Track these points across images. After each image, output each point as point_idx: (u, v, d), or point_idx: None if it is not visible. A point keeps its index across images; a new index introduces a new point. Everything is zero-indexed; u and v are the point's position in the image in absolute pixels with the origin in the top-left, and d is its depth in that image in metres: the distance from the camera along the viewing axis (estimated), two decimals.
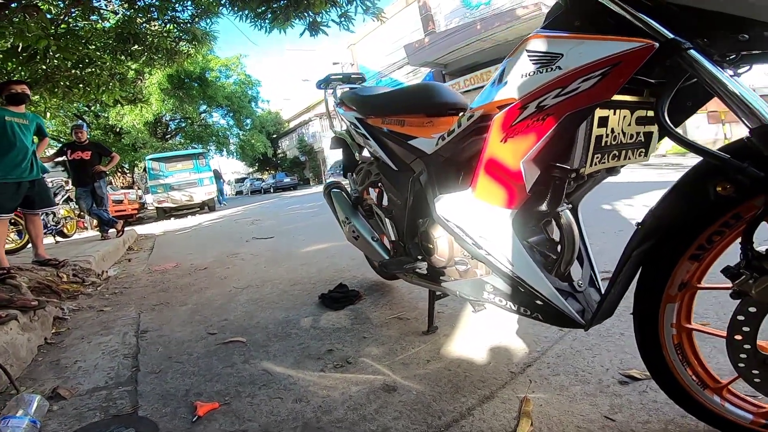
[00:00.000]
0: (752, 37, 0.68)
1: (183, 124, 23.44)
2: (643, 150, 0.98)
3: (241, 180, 39.56)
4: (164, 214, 12.99)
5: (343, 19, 4.57)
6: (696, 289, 0.83)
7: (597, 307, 0.94)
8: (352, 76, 2.00)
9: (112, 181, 19.46)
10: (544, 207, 1.02)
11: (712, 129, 9.80)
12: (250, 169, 41.15)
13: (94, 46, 4.80)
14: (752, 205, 0.69)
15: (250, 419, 1.20)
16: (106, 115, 17.42)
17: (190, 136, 22.65)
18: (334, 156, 24.49)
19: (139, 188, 15.94)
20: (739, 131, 9.72)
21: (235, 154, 26.49)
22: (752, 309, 0.72)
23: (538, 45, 0.86)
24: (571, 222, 1.07)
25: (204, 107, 23.24)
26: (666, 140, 0.99)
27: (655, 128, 0.97)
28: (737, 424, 0.83)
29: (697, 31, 0.72)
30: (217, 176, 15.33)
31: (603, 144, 0.91)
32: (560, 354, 1.35)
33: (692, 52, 0.69)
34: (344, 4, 4.42)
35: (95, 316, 2.47)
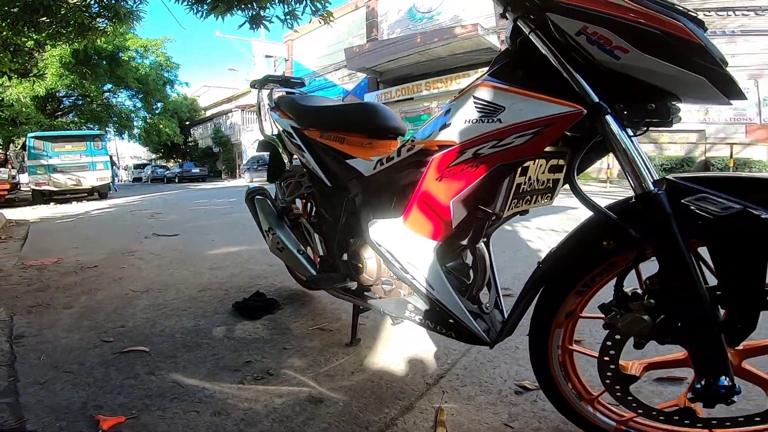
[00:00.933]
0: (658, 107, 0.81)
1: (80, 102, 20.83)
2: (549, 195, 1.13)
3: (142, 166, 36.19)
4: (42, 197, 11.37)
5: (288, 17, 4.44)
6: (579, 318, 0.97)
7: (501, 327, 1.08)
8: (292, 80, 1.95)
9: None
10: (465, 242, 1.15)
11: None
12: (153, 156, 37.86)
13: None
14: (626, 257, 0.84)
15: None
16: None
17: (86, 115, 20.23)
18: (252, 151, 23.43)
19: (13, 167, 13.81)
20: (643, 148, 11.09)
21: (138, 138, 24.15)
22: (618, 337, 0.87)
23: (485, 94, 0.92)
24: (484, 253, 1.21)
25: (109, 86, 20.92)
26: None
27: (561, 175, 1.10)
28: (604, 430, 0.99)
29: (616, 95, 0.83)
30: (112, 163, 13.91)
31: (521, 191, 1.03)
32: (467, 366, 1.45)
33: (609, 117, 0.80)
34: (293, 2, 4.30)
35: None
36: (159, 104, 23.62)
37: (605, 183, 9.37)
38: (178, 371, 1.46)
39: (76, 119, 20.55)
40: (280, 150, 1.88)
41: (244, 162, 23.27)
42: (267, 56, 22.97)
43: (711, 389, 0.76)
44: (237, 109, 29.70)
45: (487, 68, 0.99)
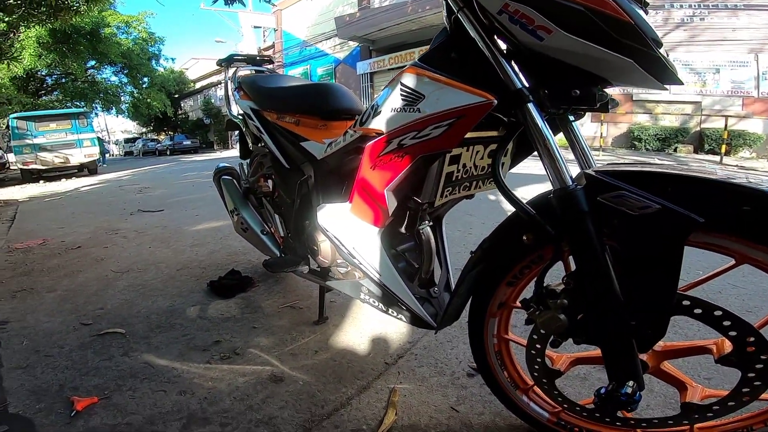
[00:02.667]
0: (583, 93, 0.77)
1: (63, 80, 20.24)
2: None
3: (132, 140, 35.74)
4: (31, 176, 11.35)
5: None
6: (512, 308, 0.98)
7: (443, 313, 1.06)
8: (258, 57, 1.91)
9: None
10: (402, 230, 1.16)
11: (593, 126, 11.14)
12: (144, 129, 37.33)
13: None
14: (548, 250, 0.84)
15: (133, 412, 1.20)
16: None
17: (70, 93, 19.61)
18: None
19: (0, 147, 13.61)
20: (614, 131, 11.16)
21: (126, 113, 23.73)
22: (542, 331, 0.86)
23: (410, 80, 0.89)
24: (430, 237, 1.19)
25: (93, 63, 20.29)
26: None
27: (506, 159, 1.08)
28: (537, 421, 1.01)
29: (543, 80, 0.79)
30: (99, 140, 13.76)
31: (453, 179, 1.02)
32: (427, 346, 1.50)
33: (530, 105, 0.78)
34: None
35: None
36: (146, 78, 22.99)
37: (598, 151, 9.36)
38: (150, 352, 1.53)
39: (60, 97, 19.99)
40: (244, 130, 1.87)
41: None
42: (255, 27, 22.41)
43: (613, 395, 0.76)
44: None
45: None
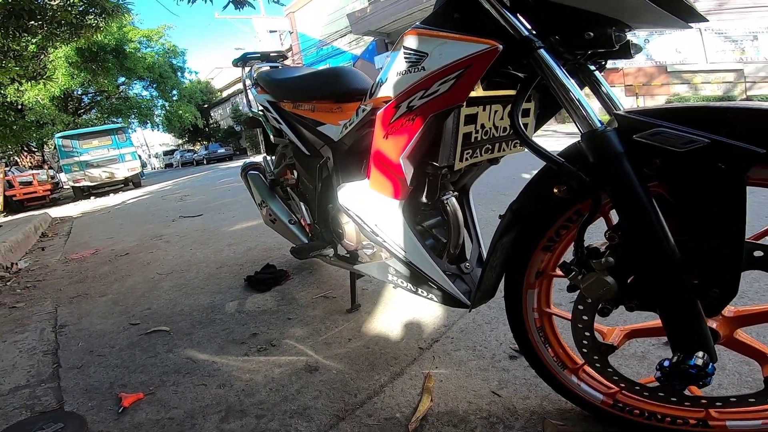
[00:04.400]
0: (596, 35, 0.70)
1: (98, 98, 21.47)
2: (518, 141, 1.05)
3: (170, 152, 37.43)
4: (82, 193, 12.06)
5: None
6: (552, 277, 0.88)
7: (476, 289, 0.98)
8: (272, 54, 1.95)
9: (18, 161, 17.63)
10: (424, 199, 1.10)
11: (628, 100, 10.63)
12: (180, 141, 38.96)
13: None
14: (586, 205, 0.75)
15: (175, 407, 1.23)
16: (2, 92, 15.68)
17: (107, 110, 20.78)
18: None
19: (51, 167, 14.55)
20: (651, 104, 10.61)
21: (160, 126, 24.80)
22: (589, 300, 0.78)
23: (412, 42, 0.87)
24: (456, 209, 1.14)
25: (123, 79, 21.35)
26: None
27: (529, 119, 1.01)
28: (590, 403, 0.91)
29: (550, 26, 0.74)
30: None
31: (472, 140, 0.96)
32: (464, 328, 1.45)
33: (542, 51, 0.72)
34: None
35: (7, 313, 2.31)
36: (174, 91, 23.94)
37: None
38: (192, 347, 1.59)
39: (98, 115, 21.15)
40: (264, 124, 1.91)
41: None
42: (271, 31, 22.78)
43: (679, 368, 0.66)
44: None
45: None
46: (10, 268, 3.36)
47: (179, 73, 24.56)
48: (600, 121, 0.68)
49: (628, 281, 0.71)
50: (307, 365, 1.36)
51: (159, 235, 3.98)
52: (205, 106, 32.17)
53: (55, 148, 14.34)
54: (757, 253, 0.63)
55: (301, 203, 1.71)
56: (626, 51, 0.74)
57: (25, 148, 19.38)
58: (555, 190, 0.74)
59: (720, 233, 0.62)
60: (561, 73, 0.71)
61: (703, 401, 0.78)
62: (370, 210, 1.14)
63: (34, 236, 4.94)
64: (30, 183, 10.82)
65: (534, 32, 0.73)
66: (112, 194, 11.60)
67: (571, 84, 0.71)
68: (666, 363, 0.68)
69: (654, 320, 0.79)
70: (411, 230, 1.08)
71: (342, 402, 1.16)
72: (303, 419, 1.11)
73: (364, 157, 1.25)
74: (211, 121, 34.29)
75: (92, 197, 11.51)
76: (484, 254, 1.16)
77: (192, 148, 35.34)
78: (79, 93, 21.07)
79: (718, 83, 10.33)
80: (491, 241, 0.88)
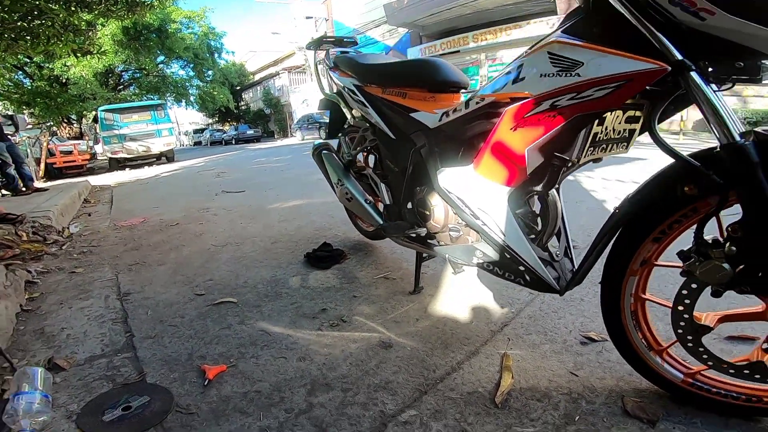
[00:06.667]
0: (746, 65, 0.79)
1: (138, 75, 22.10)
2: (625, 144, 1.12)
3: (200, 131, 38.37)
4: (117, 164, 12.53)
5: None
6: (653, 266, 0.97)
7: (572, 276, 1.10)
8: (345, 39, 1.99)
9: (57, 131, 18.33)
10: (539, 188, 1.18)
11: None
12: (210, 120, 39.76)
13: None
14: (708, 202, 0.85)
15: (260, 379, 1.25)
16: (50, 65, 16.15)
17: (145, 87, 21.41)
18: (302, 110, 24.71)
19: (89, 138, 15.09)
20: (694, 115, 10.19)
21: (194, 105, 25.37)
22: (694, 285, 0.87)
23: (561, 50, 0.94)
24: (556, 200, 1.22)
25: (162, 58, 21.90)
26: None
27: (638, 126, 1.09)
28: (671, 382, 1.01)
29: (700, 52, 0.80)
30: None
31: (597, 139, 1.03)
32: (531, 315, 1.50)
33: (693, 74, 0.79)
34: None
35: (68, 278, 2.33)
36: (210, 72, 24.42)
37: (678, 135, 8.74)
38: (264, 320, 1.63)
39: (137, 91, 21.75)
40: (342, 106, 1.93)
41: (295, 121, 24.49)
42: (307, 17, 22.90)
43: None
44: (284, 71, 30.99)
45: (557, 23, 1.00)
46: (62, 233, 3.44)
47: (216, 54, 25.14)
48: (740, 134, 0.78)
49: (744, 267, 0.80)
50: (381, 342, 1.40)
51: (205, 208, 4.08)
52: (238, 88, 32.69)
53: (93, 120, 14.77)
54: None
55: (382, 184, 1.75)
56: (762, 78, 0.83)
57: (65, 120, 20.10)
58: (686, 189, 0.84)
59: None
60: (709, 92, 0.79)
61: None
62: (475, 194, 1.19)
63: (78, 201, 5.10)
64: (70, 152, 11.28)
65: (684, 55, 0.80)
66: (146, 167, 11.91)
67: (717, 101, 0.79)
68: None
69: (744, 307, 0.93)
70: (514, 216, 1.13)
71: (422, 377, 1.20)
72: (387, 392, 1.15)
73: (463, 145, 1.30)
74: (241, 103, 34.96)
75: (127, 168, 11.88)
76: (570, 246, 1.25)
77: (221, 128, 36.03)
78: (120, 70, 21.72)
79: None
80: (601, 228, 0.99)
